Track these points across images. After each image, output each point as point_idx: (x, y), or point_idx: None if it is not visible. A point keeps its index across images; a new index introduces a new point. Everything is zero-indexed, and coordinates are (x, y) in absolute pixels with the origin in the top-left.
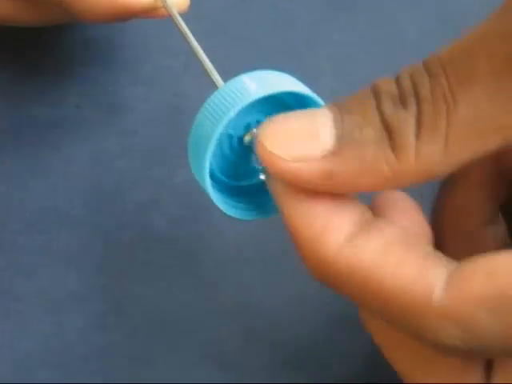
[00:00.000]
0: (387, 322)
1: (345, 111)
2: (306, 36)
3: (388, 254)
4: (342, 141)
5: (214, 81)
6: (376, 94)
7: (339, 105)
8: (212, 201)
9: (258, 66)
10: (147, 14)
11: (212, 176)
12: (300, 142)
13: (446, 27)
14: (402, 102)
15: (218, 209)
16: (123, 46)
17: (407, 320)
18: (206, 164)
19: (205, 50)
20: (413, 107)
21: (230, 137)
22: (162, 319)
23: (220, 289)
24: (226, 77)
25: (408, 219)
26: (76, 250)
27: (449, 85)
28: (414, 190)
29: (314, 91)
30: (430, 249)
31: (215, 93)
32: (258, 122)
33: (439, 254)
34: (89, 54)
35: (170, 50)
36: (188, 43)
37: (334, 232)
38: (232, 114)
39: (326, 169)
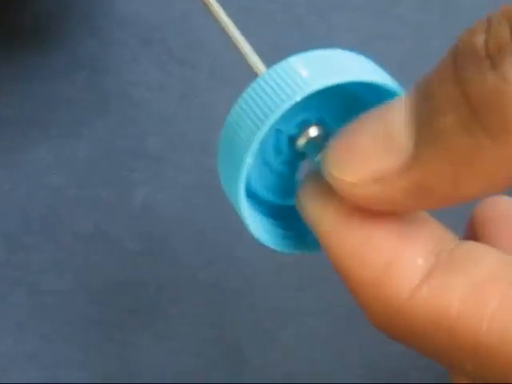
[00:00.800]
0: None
1: (422, 93)
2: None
3: (482, 295)
4: (421, 138)
5: (252, 65)
6: (456, 56)
7: (417, 85)
8: (245, 225)
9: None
10: None
11: (247, 189)
12: (371, 156)
13: None
14: (493, 59)
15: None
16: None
17: None
18: (241, 178)
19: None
20: (508, 65)
21: (279, 133)
22: None
23: None
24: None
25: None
26: None
27: None
28: None
29: None
30: None
31: (255, 82)
32: (319, 120)
33: None
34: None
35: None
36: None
37: (405, 269)
38: (277, 115)
39: (410, 182)
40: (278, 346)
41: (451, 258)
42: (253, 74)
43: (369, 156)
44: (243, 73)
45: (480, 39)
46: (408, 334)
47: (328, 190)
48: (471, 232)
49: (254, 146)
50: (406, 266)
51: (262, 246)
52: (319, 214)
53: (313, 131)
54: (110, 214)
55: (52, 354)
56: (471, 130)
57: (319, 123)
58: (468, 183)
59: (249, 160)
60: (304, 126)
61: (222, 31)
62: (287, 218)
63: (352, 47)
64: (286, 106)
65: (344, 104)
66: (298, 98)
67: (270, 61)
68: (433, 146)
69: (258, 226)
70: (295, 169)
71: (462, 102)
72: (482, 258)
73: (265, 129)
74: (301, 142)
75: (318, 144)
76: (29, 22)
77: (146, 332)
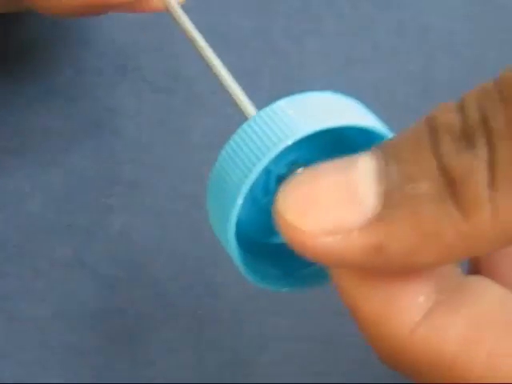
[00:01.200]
0: None
1: (392, 158)
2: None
3: (480, 334)
4: (390, 200)
5: (242, 107)
6: (432, 130)
7: (385, 149)
8: (237, 265)
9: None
10: (129, 5)
11: (237, 228)
12: (333, 208)
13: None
14: (468, 140)
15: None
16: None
17: None
18: (232, 219)
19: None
20: (482, 147)
21: (268, 173)
22: None
23: None
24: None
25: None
26: None
27: None
28: None
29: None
30: None
31: (246, 124)
32: (307, 161)
33: None
34: None
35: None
36: (198, 50)
37: (406, 306)
38: (268, 158)
39: (370, 241)
40: (255, 371)
41: (452, 296)
42: (227, 101)
43: (328, 207)
44: (218, 99)
45: (456, 119)
46: (411, 370)
47: None
48: (477, 265)
49: (246, 189)
50: (406, 304)
51: (238, 271)
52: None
53: (301, 171)
54: (88, 241)
55: (31, 381)
56: (444, 202)
57: (307, 163)
58: (427, 253)
59: (240, 201)
60: (292, 165)
61: (210, 70)
62: (275, 255)
63: (327, 72)
64: (278, 149)
65: (332, 144)
66: (290, 142)
67: (245, 87)
68: (401, 209)
69: (247, 265)
70: None
71: (438, 174)
72: (481, 296)
73: (256, 172)
74: None
75: None
76: (3, 50)
77: (124, 358)
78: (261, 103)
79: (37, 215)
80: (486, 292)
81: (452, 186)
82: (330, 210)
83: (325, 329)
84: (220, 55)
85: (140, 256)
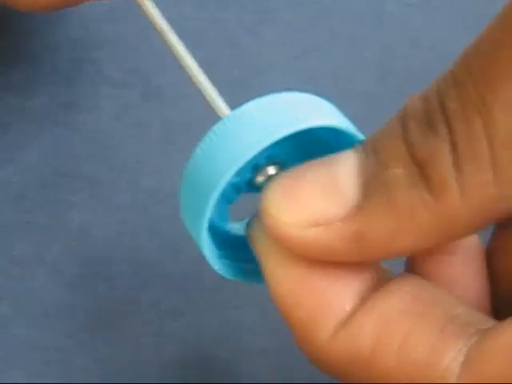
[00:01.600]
0: None
1: (371, 149)
2: None
3: (392, 330)
4: (368, 189)
5: (213, 106)
6: (402, 119)
7: (365, 143)
8: (206, 258)
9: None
10: None
11: (210, 223)
12: (316, 201)
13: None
14: (430, 124)
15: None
16: None
17: None
18: (205, 217)
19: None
20: (443, 130)
21: (235, 184)
22: None
23: None
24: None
25: (448, 270)
26: None
27: (476, 90)
28: None
29: None
30: (458, 311)
31: (218, 127)
32: (274, 161)
33: (469, 319)
34: None
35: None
36: (164, 41)
37: (330, 311)
38: (240, 163)
39: (350, 230)
40: (218, 364)
41: (372, 297)
42: (186, 95)
43: (312, 200)
44: (177, 92)
45: (420, 105)
46: (334, 373)
47: None
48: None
49: (218, 191)
50: (332, 308)
51: (198, 263)
52: (263, 249)
53: (271, 170)
54: (47, 238)
55: None
56: (416, 185)
57: (277, 162)
58: (405, 237)
59: (209, 210)
60: (259, 166)
61: (180, 64)
62: (246, 249)
63: (284, 62)
64: (253, 153)
65: (302, 144)
66: (259, 148)
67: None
68: (377, 197)
69: (217, 258)
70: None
71: (409, 160)
72: (394, 292)
73: (224, 182)
74: (259, 179)
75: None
76: None
77: (85, 355)
78: (220, 95)
79: None
80: (400, 287)
81: (421, 170)
82: (312, 202)
83: None
84: None
85: (100, 252)
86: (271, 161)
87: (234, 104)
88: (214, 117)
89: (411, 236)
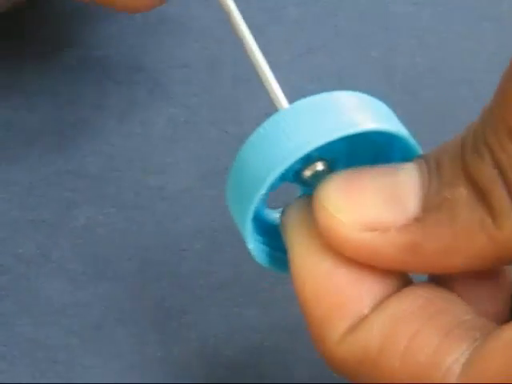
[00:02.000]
0: None
1: (433, 167)
2: None
3: (400, 331)
4: (429, 204)
5: (273, 98)
6: (463, 141)
7: (428, 159)
8: (248, 249)
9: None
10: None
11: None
12: (376, 206)
13: None
14: (479, 152)
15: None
16: None
17: None
18: (249, 212)
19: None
20: (486, 155)
21: (283, 173)
22: None
23: None
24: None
25: (474, 292)
26: None
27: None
28: None
29: None
30: (467, 317)
31: (274, 118)
32: (323, 157)
33: (476, 324)
34: None
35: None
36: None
37: (346, 312)
38: (293, 159)
39: (405, 239)
40: (223, 362)
41: (386, 299)
42: (190, 92)
43: (372, 205)
44: (181, 90)
45: (471, 132)
46: (343, 373)
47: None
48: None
49: (262, 191)
50: (347, 311)
51: (203, 262)
52: (294, 240)
53: (319, 165)
54: (53, 236)
55: None
56: (477, 208)
57: (326, 158)
58: (458, 255)
59: (261, 195)
60: (309, 159)
61: (248, 56)
62: (279, 237)
63: (290, 60)
64: (303, 152)
65: (353, 143)
66: (314, 146)
67: (208, 76)
68: (439, 212)
69: (260, 249)
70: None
71: (469, 181)
72: (407, 295)
73: (274, 175)
74: (307, 173)
75: (323, 176)
76: None
77: (91, 352)
78: (224, 91)
79: (1, 211)
80: (414, 291)
81: (481, 194)
82: (371, 207)
83: (291, 319)
84: (183, 44)
85: (105, 250)
86: (321, 156)
87: (237, 102)
88: (219, 115)
89: (465, 255)
